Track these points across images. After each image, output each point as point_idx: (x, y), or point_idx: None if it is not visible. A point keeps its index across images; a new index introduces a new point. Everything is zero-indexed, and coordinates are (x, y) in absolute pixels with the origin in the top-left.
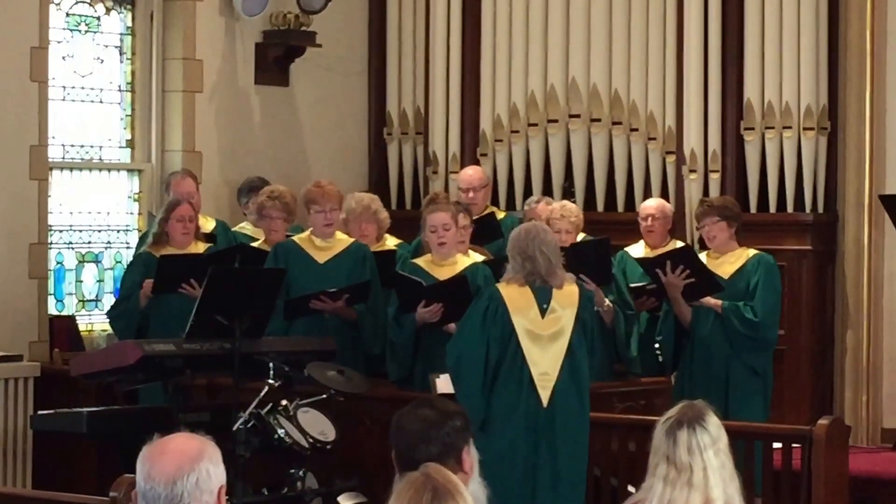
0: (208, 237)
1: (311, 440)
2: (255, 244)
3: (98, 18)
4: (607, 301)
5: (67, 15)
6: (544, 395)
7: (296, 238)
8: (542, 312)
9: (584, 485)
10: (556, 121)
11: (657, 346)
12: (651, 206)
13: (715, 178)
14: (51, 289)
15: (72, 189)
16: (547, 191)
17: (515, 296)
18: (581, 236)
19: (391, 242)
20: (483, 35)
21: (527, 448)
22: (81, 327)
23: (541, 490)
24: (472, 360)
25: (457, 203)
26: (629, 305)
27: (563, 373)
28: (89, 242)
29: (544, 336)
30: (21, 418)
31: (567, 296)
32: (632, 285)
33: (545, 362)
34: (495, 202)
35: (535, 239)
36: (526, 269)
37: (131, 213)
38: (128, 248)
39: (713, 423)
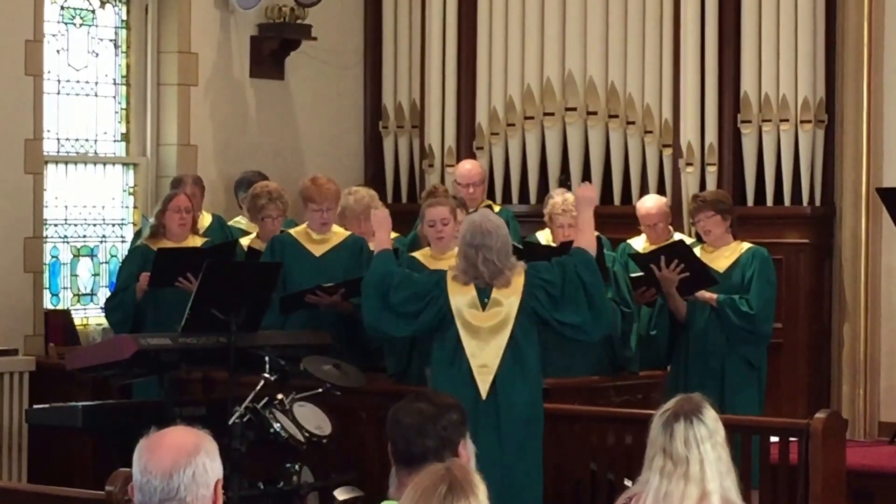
0: (203, 233)
1: (307, 434)
2: (248, 238)
3: (93, 11)
4: None
5: (62, 8)
6: (483, 387)
7: (292, 231)
8: (483, 305)
9: (538, 483)
10: (552, 114)
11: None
12: (650, 208)
13: (712, 171)
14: (46, 283)
15: (67, 183)
16: (543, 184)
17: (458, 289)
18: None
19: None
20: (479, 28)
21: None
22: (77, 321)
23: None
24: (391, 318)
25: (455, 197)
26: (627, 303)
27: (504, 364)
28: (84, 236)
29: (484, 329)
30: (16, 412)
31: (511, 287)
32: (632, 275)
33: (485, 354)
34: (491, 195)
35: (479, 246)
36: (469, 273)
37: (126, 207)
38: (123, 241)
39: (710, 415)
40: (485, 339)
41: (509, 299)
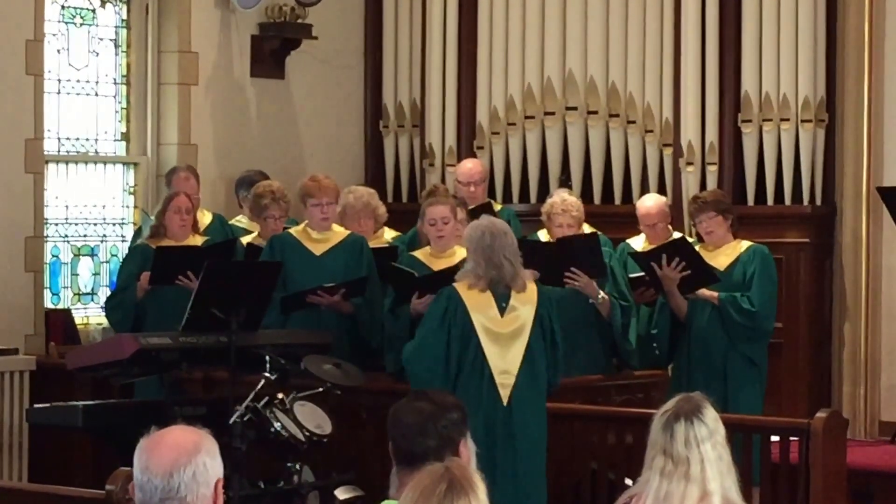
0: (203, 231)
1: (307, 433)
2: (250, 237)
3: (93, 11)
4: (602, 293)
5: (63, 8)
6: (504, 394)
7: (292, 230)
8: (502, 311)
9: (543, 485)
10: (552, 113)
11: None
12: (650, 207)
13: (712, 170)
14: (46, 282)
15: (67, 182)
16: (543, 183)
17: (475, 297)
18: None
19: (388, 235)
20: (479, 27)
21: (484, 445)
22: (77, 321)
23: (499, 489)
24: (429, 358)
25: (455, 196)
26: (625, 297)
27: (522, 371)
28: (85, 236)
29: (504, 334)
30: (17, 412)
31: (527, 294)
32: (631, 276)
33: (505, 361)
34: (491, 195)
35: (500, 247)
36: (490, 275)
37: (127, 207)
38: (123, 241)
39: (710, 415)
40: (505, 345)
41: (525, 306)
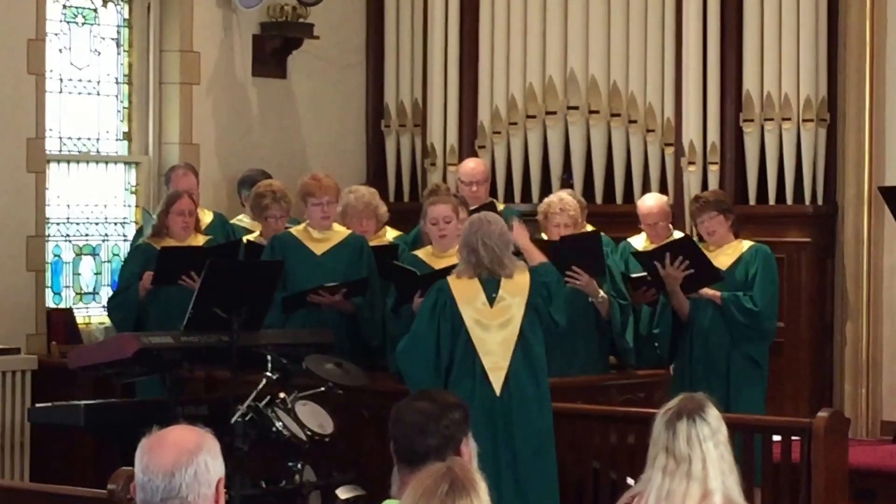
0: (204, 230)
1: (309, 433)
2: (252, 236)
3: (95, 10)
4: (601, 292)
5: (64, 7)
6: (497, 385)
7: (293, 230)
8: (491, 302)
9: (553, 475)
10: (554, 113)
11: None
12: (651, 206)
13: (714, 170)
14: (48, 282)
15: (69, 182)
16: (545, 183)
17: (463, 288)
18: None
19: (390, 235)
20: (481, 27)
21: (485, 439)
22: (79, 320)
23: (504, 481)
24: (419, 353)
25: (456, 196)
26: (623, 296)
27: (515, 361)
28: (87, 235)
29: (493, 325)
30: (18, 411)
31: (516, 284)
32: (632, 276)
33: (496, 351)
34: (493, 194)
35: (477, 231)
36: (471, 261)
37: (128, 206)
38: (125, 240)
39: (713, 415)
40: (494, 336)
41: (515, 298)
